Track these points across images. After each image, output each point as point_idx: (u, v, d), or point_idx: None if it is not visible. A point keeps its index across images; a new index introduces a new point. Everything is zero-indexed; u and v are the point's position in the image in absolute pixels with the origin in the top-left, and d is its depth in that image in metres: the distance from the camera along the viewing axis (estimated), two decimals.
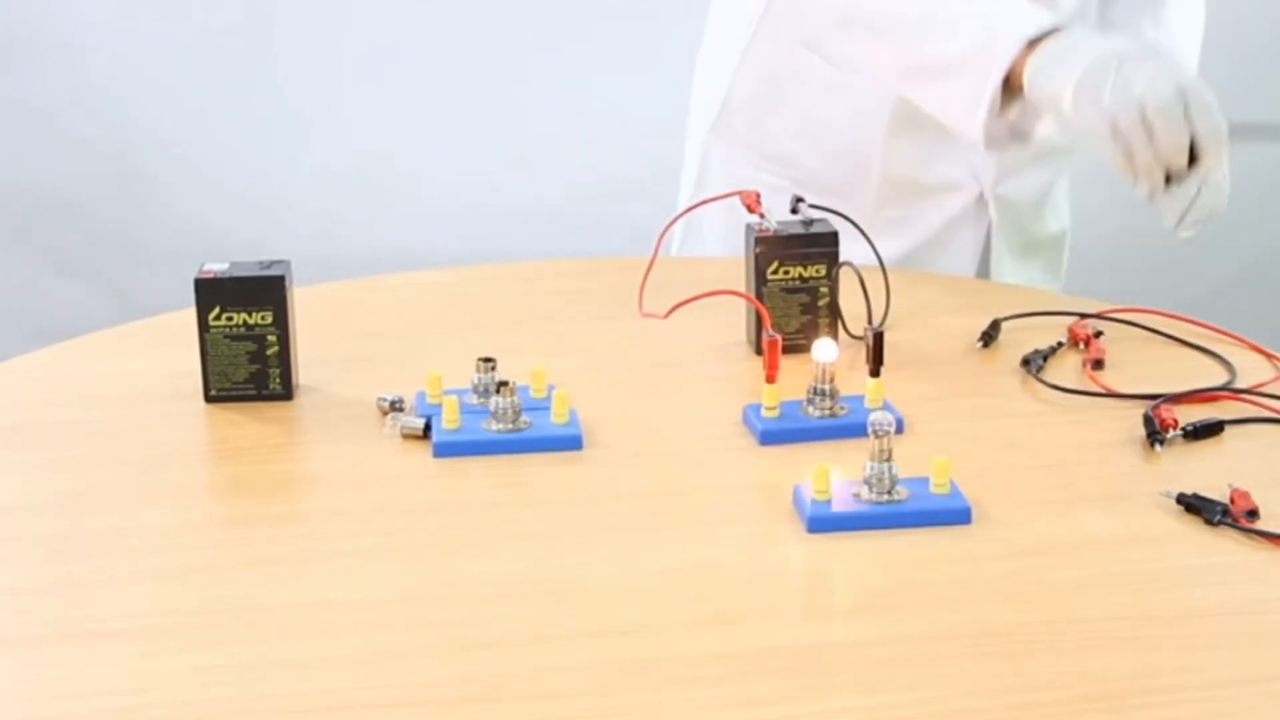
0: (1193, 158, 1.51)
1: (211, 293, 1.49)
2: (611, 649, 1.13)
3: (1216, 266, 3.22)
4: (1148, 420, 1.42)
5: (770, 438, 1.42)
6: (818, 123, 1.84)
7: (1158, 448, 1.39)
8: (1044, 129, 1.65)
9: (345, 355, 1.59)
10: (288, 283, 1.50)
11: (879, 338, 1.43)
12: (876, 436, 1.29)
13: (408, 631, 1.15)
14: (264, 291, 1.49)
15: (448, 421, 1.41)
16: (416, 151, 3.30)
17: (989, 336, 1.61)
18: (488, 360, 1.46)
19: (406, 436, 1.42)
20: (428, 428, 1.42)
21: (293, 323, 1.51)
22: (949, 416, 1.47)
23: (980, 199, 1.83)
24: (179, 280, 1.59)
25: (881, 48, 1.71)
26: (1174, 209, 1.52)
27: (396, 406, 1.46)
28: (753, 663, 1.11)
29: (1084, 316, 1.65)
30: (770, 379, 1.42)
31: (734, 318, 1.62)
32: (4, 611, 1.19)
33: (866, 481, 1.29)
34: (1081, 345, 1.59)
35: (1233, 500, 1.28)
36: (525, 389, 1.45)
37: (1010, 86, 1.61)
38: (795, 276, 1.58)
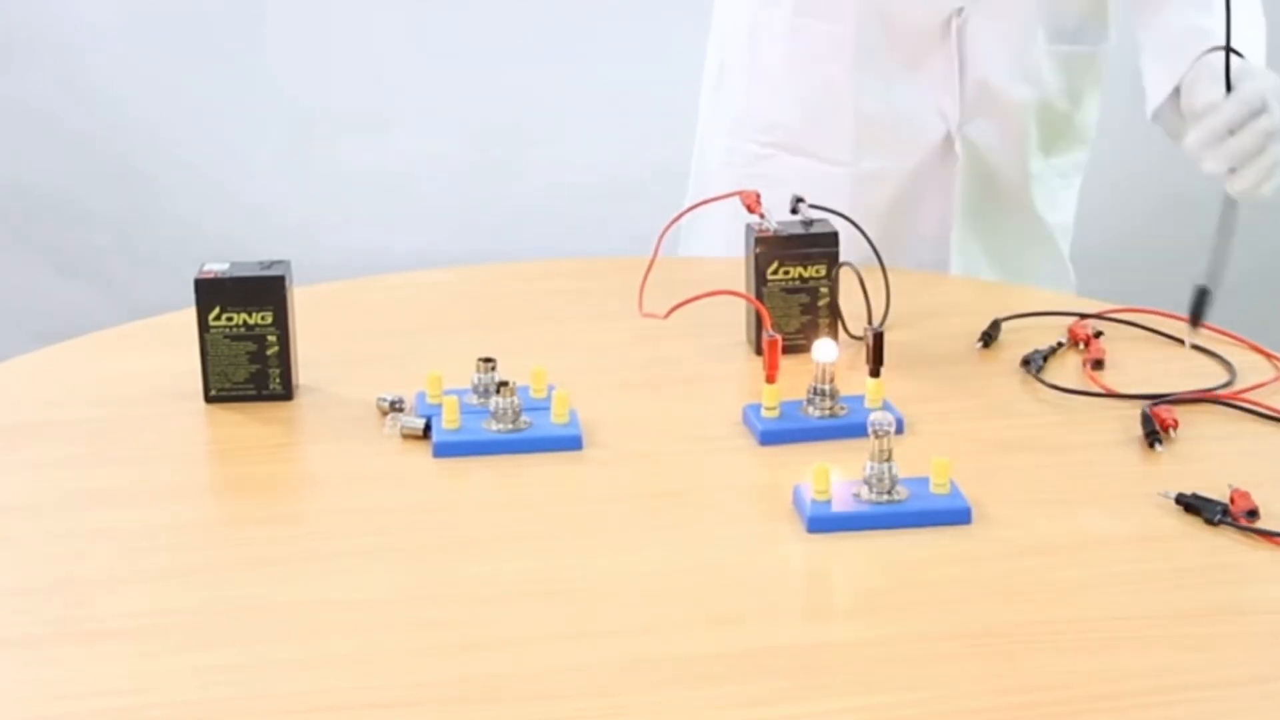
0: None
1: (211, 293, 1.49)
2: (611, 649, 1.13)
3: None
4: (1146, 420, 1.42)
5: (770, 438, 1.42)
6: (790, 70, 1.88)
7: (1157, 448, 1.39)
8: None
9: (345, 355, 1.59)
10: (288, 283, 1.50)
11: (879, 338, 1.43)
12: (876, 436, 1.29)
13: (408, 631, 1.15)
14: (264, 292, 1.49)
15: (448, 421, 1.41)
16: (416, 151, 3.29)
17: (989, 336, 1.61)
18: (488, 360, 1.46)
19: (406, 436, 1.43)
20: (428, 428, 1.42)
21: (293, 323, 1.51)
22: (949, 416, 1.47)
23: (948, 138, 1.84)
24: (179, 280, 1.59)
25: None
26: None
27: (396, 407, 1.46)
28: (753, 663, 1.11)
29: (1084, 316, 1.65)
30: (770, 379, 1.42)
31: (734, 318, 1.62)
32: (4, 611, 1.19)
33: (866, 481, 1.29)
34: (1081, 345, 1.59)
35: (1233, 500, 1.28)
36: (525, 389, 1.45)
37: None
38: (795, 276, 1.58)
